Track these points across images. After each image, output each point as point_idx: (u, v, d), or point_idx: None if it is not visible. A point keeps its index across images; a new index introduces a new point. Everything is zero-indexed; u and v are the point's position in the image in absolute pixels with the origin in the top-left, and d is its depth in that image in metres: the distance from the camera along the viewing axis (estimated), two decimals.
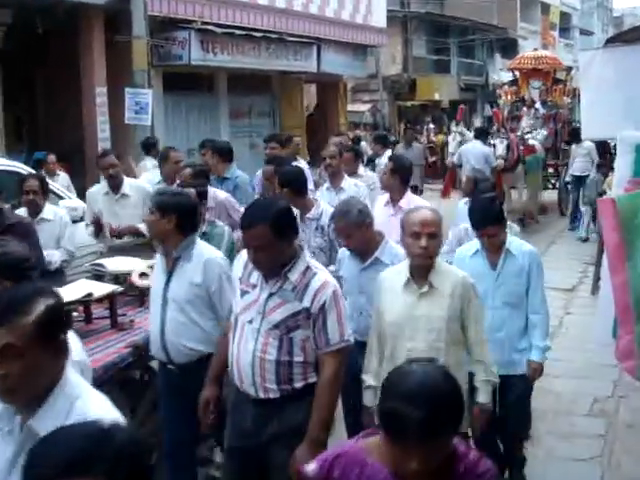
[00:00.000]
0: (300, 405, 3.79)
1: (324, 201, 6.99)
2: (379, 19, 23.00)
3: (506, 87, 20.71)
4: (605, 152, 16.02)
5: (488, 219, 4.90)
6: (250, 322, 3.81)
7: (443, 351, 4.09)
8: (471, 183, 8.20)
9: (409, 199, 6.71)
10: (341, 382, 3.89)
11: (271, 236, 3.62)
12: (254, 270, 3.84)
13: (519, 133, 17.64)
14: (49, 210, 6.99)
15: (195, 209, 4.80)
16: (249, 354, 3.79)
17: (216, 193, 7.10)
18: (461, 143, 16.72)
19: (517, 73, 20.48)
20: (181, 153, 8.65)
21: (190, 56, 15.82)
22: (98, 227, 7.27)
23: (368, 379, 4.31)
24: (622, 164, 5.63)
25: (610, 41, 8.45)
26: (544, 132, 18.41)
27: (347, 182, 7.80)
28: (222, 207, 7.05)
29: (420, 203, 6.45)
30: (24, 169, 8.60)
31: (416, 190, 12.81)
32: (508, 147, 16.00)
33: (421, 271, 4.12)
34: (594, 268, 11.09)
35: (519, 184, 16.79)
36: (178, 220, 4.55)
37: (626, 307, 4.87)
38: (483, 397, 4.30)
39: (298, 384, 3.81)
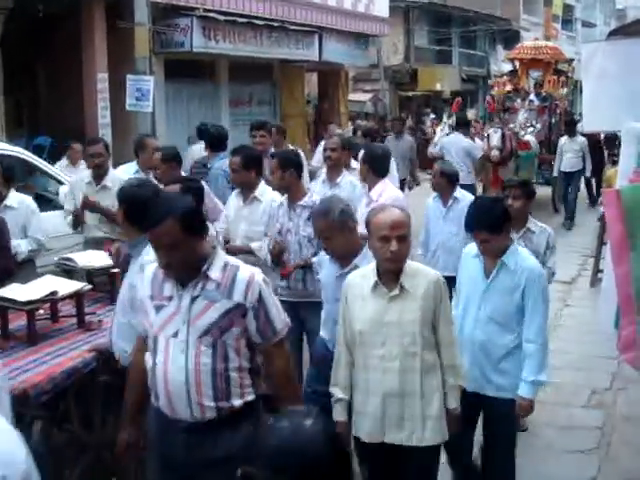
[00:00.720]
0: (237, 429, 3.49)
1: (317, 194, 6.92)
2: (381, 8, 22.96)
3: (504, 77, 19.96)
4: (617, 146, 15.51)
5: (481, 223, 4.51)
6: (175, 335, 3.45)
7: (419, 356, 3.90)
8: (439, 176, 7.54)
9: (380, 189, 6.63)
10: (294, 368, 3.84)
11: (181, 232, 3.32)
12: (165, 282, 3.51)
13: (512, 126, 16.76)
14: (14, 197, 6.76)
15: (144, 203, 4.05)
16: (181, 371, 3.42)
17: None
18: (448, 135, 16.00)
19: (517, 63, 19.86)
20: (158, 141, 8.34)
21: (192, 43, 15.78)
22: (78, 218, 7.15)
23: (337, 392, 4.08)
24: (627, 155, 5.63)
25: (613, 34, 8.43)
26: (538, 125, 17.64)
27: (345, 178, 7.32)
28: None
29: (392, 194, 6.50)
30: (25, 154, 8.60)
31: (403, 183, 12.46)
32: (503, 137, 15.39)
33: (390, 274, 3.92)
34: (593, 260, 11.12)
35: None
36: (125, 213, 4.27)
37: (628, 298, 4.88)
38: (452, 402, 4.03)
39: (236, 401, 3.48)
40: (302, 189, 6.16)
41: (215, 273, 3.45)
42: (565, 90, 19.01)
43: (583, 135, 15.66)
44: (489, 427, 4.77)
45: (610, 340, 5.28)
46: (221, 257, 3.54)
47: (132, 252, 4.30)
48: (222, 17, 16.28)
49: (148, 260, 3.85)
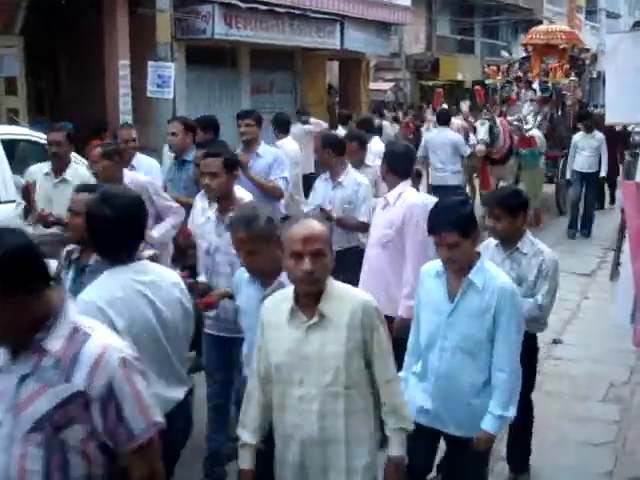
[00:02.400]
0: None
1: (319, 194, 7.00)
2: None
3: (503, 65, 18.15)
4: None
5: (450, 221, 3.82)
6: None
7: (342, 397, 3.29)
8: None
9: (398, 192, 5.84)
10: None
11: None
12: None
13: (512, 119, 14.98)
14: None
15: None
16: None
17: (135, 177, 6.39)
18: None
19: (530, 50, 18.17)
20: (133, 130, 7.84)
21: (213, 30, 15.78)
22: (28, 206, 6.53)
23: (243, 435, 3.48)
24: None
25: (637, 24, 8.38)
26: (538, 118, 15.90)
27: (349, 176, 6.83)
28: (144, 192, 5.96)
29: (411, 199, 5.74)
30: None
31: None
32: (491, 130, 13.27)
33: (309, 298, 3.30)
34: (614, 253, 11.05)
35: (509, 179, 13.90)
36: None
37: None
38: (395, 449, 3.40)
39: None
40: (234, 197, 5.22)
41: (54, 344, 2.46)
42: (571, 79, 17.07)
43: (599, 130, 14.06)
44: (453, 465, 4.23)
45: (628, 332, 5.24)
46: (68, 320, 2.51)
47: (87, 278, 3.76)
48: (243, 4, 16.26)
49: None
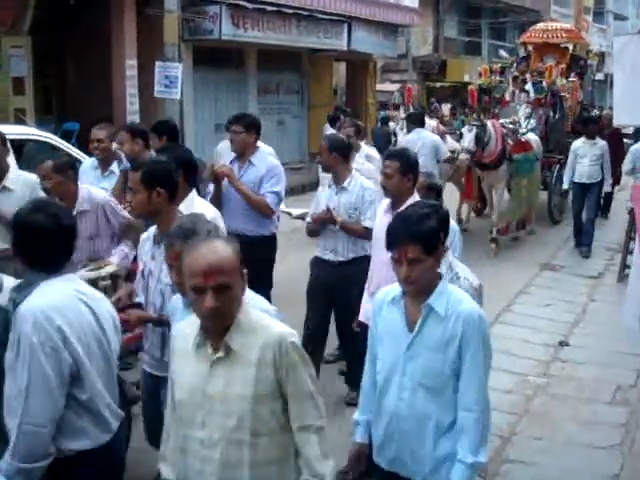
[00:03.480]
0: None
1: (322, 200, 6.55)
2: None
3: (496, 65, 17.36)
4: None
5: (408, 234, 3.29)
6: None
7: (248, 445, 2.89)
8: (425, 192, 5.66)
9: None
10: None
11: None
12: None
13: (506, 122, 13.81)
14: None
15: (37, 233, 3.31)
16: None
17: (92, 193, 5.90)
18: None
19: (530, 49, 17.34)
20: (105, 130, 7.15)
21: (221, 31, 15.77)
22: None
23: (163, 469, 3.18)
24: None
25: None
26: (532, 121, 14.59)
27: (355, 181, 6.44)
28: (100, 211, 5.86)
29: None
30: (54, 139, 8.66)
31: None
32: (478, 137, 11.98)
33: (217, 327, 2.92)
34: (621, 255, 11.03)
35: (500, 186, 12.99)
36: (15, 244, 3.41)
37: None
38: None
39: None
40: (173, 215, 4.47)
41: None
42: (570, 79, 15.95)
43: (602, 137, 13.05)
44: None
45: (636, 335, 5.23)
46: None
47: (18, 296, 3.35)
48: (251, 5, 16.25)
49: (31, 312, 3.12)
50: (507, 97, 15.42)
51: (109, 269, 5.04)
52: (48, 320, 3.10)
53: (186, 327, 3.06)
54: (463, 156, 12.21)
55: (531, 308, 9.51)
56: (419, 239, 3.27)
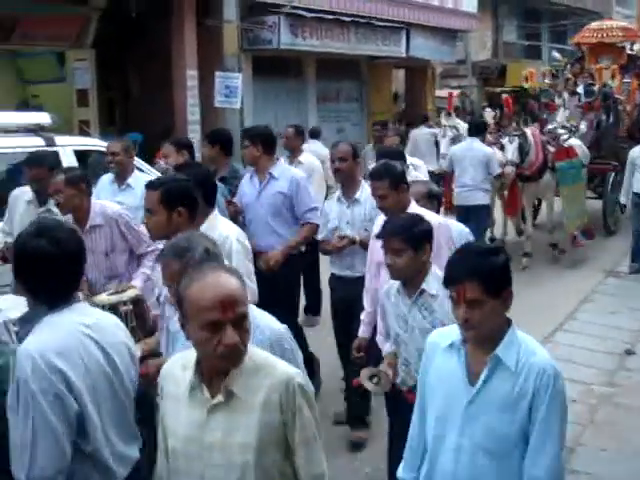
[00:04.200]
0: None
1: (332, 215, 6.14)
2: (470, 4, 22.71)
3: (546, 67, 16.60)
4: None
5: (467, 269, 2.90)
6: None
7: None
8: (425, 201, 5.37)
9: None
10: None
11: None
12: None
13: (550, 127, 12.93)
14: None
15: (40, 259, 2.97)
16: None
17: (104, 207, 5.64)
18: (454, 142, 12.42)
19: (585, 49, 16.21)
20: (118, 144, 6.95)
21: (279, 40, 15.89)
22: None
23: None
24: None
25: None
26: (582, 127, 13.48)
27: (365, 191, 5.92)
28: (113, 225, 5.57)
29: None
30: None
31: None
32: (521, 147, 11.33)
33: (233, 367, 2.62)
34: None
35: (548, 196, 12.38)
36: (16, 270, 3.06)
37: None
38: None
39: None
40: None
41: None
42: (625, 81, 14.86)
43: None
44: None
45: None
46: None
47: (20, 329, 3.18)
48: (309, 14, 16.35)
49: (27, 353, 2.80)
50: (556, 101, 14.28)
51: (130, 293, 4.65)
52: (49, 365, 2.77)
53: (174, 367, 2.76)
54: (509, 169, 11.22)
55: (595, 316, 9.35)
56: (480, 276, 2.85)
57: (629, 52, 15.94)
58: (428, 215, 4.73)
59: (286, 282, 6.33)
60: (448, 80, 28.66)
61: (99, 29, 13.74)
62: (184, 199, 4.18)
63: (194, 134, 14.65)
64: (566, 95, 14.32)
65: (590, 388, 7.13)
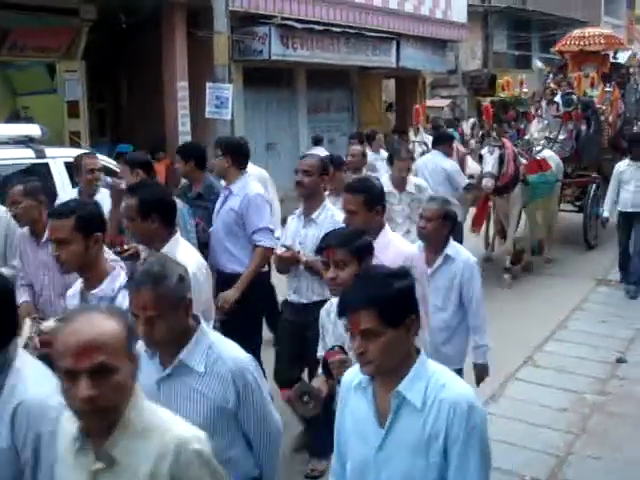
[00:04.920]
0: None
1: (289, 233, 5.59)
2: (459, 14, 22.80)
3: (522, 76, 15.92)
4: None
5: (360, 298, 2.55)
6: None
7: None
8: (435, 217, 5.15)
9: (385, 241, 4.44)
10: None
11: None
12: None
13: (525, 139, 12.61)
14: None
15: None
16: None
17: None
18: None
19: (567, 57, 15.59)
20: (96, 160, 6.68)
21: (270, 51, 15.91)
22: None
23: None
24: None
25: None
26: (561, 137, 13.10)
27: (325, 212, 5.44)
28: None
29: (402, 249, 4.45)
30: (109, 162, 8.77)
31: None
32: (502, 160, 10.59)
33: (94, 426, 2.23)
34: None
35: (514, 211, 11.39)
36: None
37: None
38: None
39: None
40: (103, 268, 3.94)
41: None
42: (607, 90, 14.25)
43: None
44: None
45: None
46: None
47: None
48: (299, 25, 16.38)
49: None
50: (533, 111, 14.07)
51: None
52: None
53: (68, 422, 2.33)
54: (488, 182, 10.33)
55: (587, 324, 9.36)
56: (375, 304, 2.49)
57: (613, 60, 15.57)
58: (403, 244, 4.55)
59: (249, 303, 5.81)
60: (438, 90, 28.78)
61: (89, 40, 13.74)
62: (99, 224, 3.94)
63: None
64: (544, 104, 14.03)
65: (582, 397, 7.13)
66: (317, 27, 16.91)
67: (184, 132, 14.69)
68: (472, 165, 11.76)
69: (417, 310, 2.61)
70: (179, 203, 5.41)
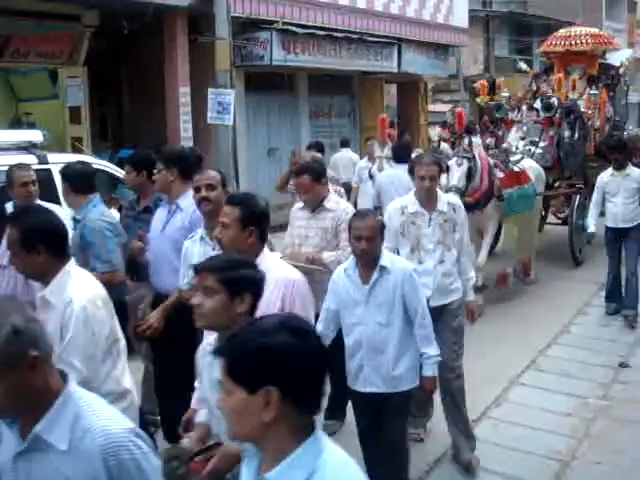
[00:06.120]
0: None
1: (195, 258, 4.85)
2: (461, 19, 22.81)
3: (501, 79, 14.95)
4: None
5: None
6: None
7: None
8: (368, 230, 4.64)
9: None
10: None
11: None
12: None
13: (500, 148, 11.67)
14: None
15: None
16: None
17: None
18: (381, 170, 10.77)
19: (553, 58, 14.86)
20: (30, 172, 6.24)
21: (272, 56, 15.91)
22: None
23: None
24: None
25: None
26: (541, 144, 12.28)
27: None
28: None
29: (284, 275, 3.97)
30: (110, 167, 8.80)
31: None
32: (470, 172, 9.41)
33: None
34: None
35: (489, 229, 10.26)
36: None
37: None
38: None
39: None
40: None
41: None
42: (591, 92, 13.39)
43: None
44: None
45: None
46: None
47: None
48: (301, 30, 16.38)
49: None
50: (511, 116, 13.06)
51: None
52: None
53: None
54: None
55: (589, 329, 9.36)
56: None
57: (602, 61, 14.57)
58: (284, 271, 4.02)
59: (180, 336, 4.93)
60: (440, 95, 28.78)
61: (91, 46, 13.76)
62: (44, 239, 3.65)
63: None
64: (524, 109, 13.15)
65: (585, 401, 7.12)
66: (319, 32, 16.90)
67: (186, 138, 14.70)
68: (441, 179, 10.26)
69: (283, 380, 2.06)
70: (113, 217, 5.54)
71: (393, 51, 19.71)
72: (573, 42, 14.07)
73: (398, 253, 5.70)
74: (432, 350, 4.83)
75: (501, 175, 10.39)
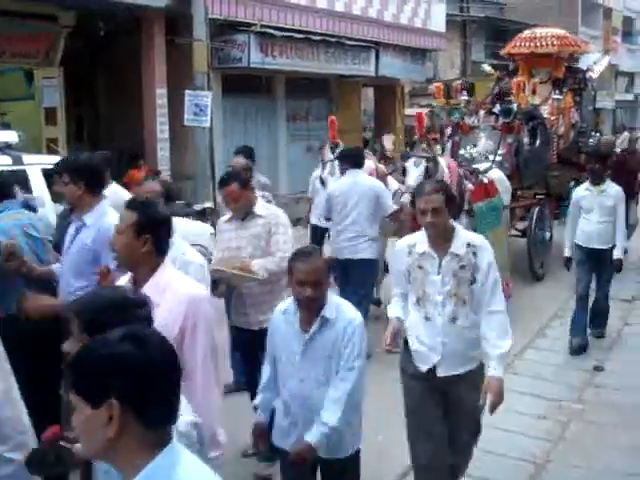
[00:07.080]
0: None
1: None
2: (438, 23, 22.92)
3: (458, 82, 13.71)
4: None
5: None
6: None
7: None
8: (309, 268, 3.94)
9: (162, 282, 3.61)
10: None
11: None
12: None
13: (466, 156, 11.17)
14: None
15: None
16: None
17: None
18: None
19: (518, 61, 14.43)
20: None
21: (249, 59, 15.90)
22: None
23: None
24: None
25: None
26: (501, 151, 11.36)
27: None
28: None
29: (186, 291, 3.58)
30: None
31: None
32: (427, 172, 8.60)
33: None
34: None
35: None
36: None
37: None
38: None
39: None
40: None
41: None
42: (555, 97, 12.86)
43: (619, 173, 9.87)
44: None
45: None
46: None
47: None
48: (279, 33, 16.38)
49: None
50: (467, 122, 12.25)
51: None
52: None
53: None
54: (407, 198, 7.86)
55: (564, 333, 9.38)
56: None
57: (568, 64, 14.09)
58: (186, 286, 3.61)
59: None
60: (417, 99, 28.83)
61: (68, 47, 13.68)
62: None
63: (164, 152, 14.62)
64: (482, 114, 12.41)
65: (560, 404, 7.15)
66: (296, 35, 16.91)
67: (162, 139, 14.65)
68: (394, 185, 9.70)
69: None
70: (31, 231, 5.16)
71: (371, 55, 19.76)
72: (538, 44, 13.58)
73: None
74: (332, 417, 3.89)
75: (471, 187, 9.54)
